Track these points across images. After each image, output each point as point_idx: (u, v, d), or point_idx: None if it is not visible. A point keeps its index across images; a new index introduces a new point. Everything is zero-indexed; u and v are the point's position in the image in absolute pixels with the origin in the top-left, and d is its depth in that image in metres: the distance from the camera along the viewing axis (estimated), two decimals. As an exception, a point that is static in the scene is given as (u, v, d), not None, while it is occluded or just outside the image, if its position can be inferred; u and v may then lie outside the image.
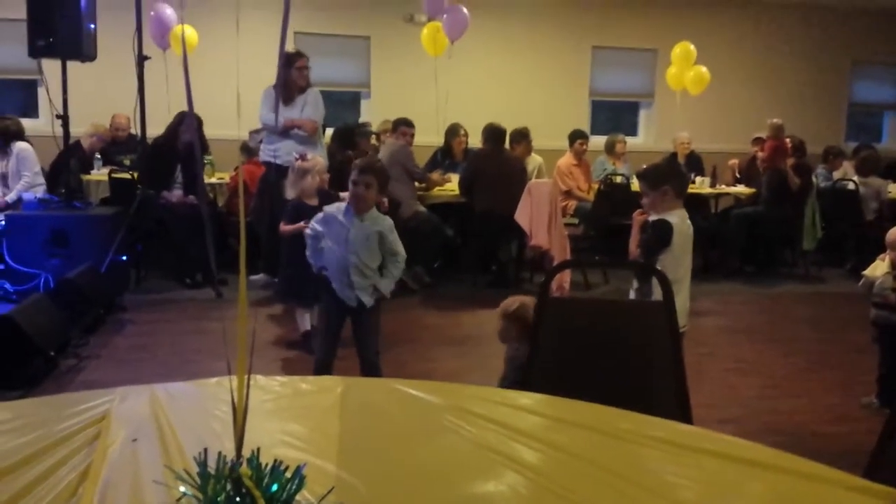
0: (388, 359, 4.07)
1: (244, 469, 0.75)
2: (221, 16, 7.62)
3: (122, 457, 1.16)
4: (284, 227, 4.05)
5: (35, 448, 1.17)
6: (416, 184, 5.99)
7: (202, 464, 0.76)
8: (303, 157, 4.25)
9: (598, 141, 7.77)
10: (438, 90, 7.41)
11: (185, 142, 5.60)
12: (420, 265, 5.77)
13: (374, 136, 6.47)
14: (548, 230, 5.55)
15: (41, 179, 5.81)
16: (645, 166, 3.29)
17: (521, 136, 6.43)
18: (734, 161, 7.65)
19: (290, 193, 4.21)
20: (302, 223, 3.76)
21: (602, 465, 1.18)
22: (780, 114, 7.33)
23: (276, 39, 0.88)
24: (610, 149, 7.42)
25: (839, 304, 5.75)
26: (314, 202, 4.07)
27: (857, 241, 6.87)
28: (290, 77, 5.16)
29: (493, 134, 5.91)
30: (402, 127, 6.05)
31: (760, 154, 7.00)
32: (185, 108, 5.82)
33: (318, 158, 4.45)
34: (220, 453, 0.75)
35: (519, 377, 2.39)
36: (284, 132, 5.15)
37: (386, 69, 8.28)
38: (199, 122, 5.69)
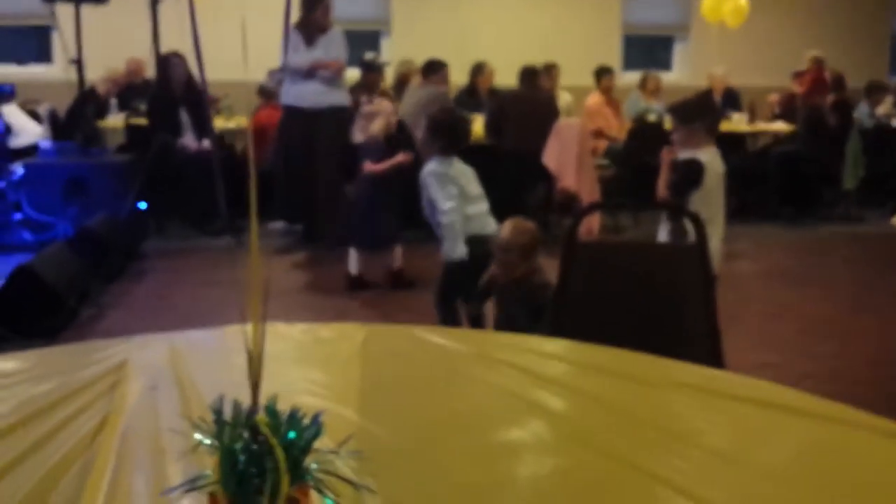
0: (410, 304, 4.08)
1: (261, 416, 0.72)
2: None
3: (140, 405, 1.16)
4: (373, 166, 4.04)
5: (54, 396, 1.17)
6: None
7: (218, 411, 0.73)
8: (369, 101, 4.24)
9: (631, 78, 7.53)
10: (463, 26, 7.19)
11: (179, 84, 5.47)
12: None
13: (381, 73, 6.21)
14: (577, 172, 5.42)
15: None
16: (675, 101, 3.19)
17: (546, 70, 6.24)
18: (774, 96, 7.38)
19: (357, 137, 4.20)
20: (401, 155, 3.81)
21: (630, 411, 1.15)
22: (821, 46, 7.03)
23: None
24: (643, 85, 7.17)
25: (880, 245, 5.62)
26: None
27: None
28: (314, 16, 4.99)
29: (525, 73, 5.75)
30: (444, 70, 5.83)
31: (799, 89, 6.76)
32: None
33: (384, 102, 4.40)
34: (235, 401, 0.72)
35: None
36: (309, 74, 4.98)
37: (407, 5, 7.98)
38: (182, 61, 5.52)
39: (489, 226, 3.23)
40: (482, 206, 3.29)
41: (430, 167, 3.23)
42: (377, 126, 4.09)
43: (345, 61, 5.10)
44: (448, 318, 3.19)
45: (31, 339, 3.37)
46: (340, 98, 5.05)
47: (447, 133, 3.26)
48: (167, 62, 5.48)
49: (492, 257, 2.85)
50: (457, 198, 3.16)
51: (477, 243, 3.15)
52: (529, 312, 2.56)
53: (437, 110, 3.51)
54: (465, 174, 3.27)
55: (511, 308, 2.71)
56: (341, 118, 4.99)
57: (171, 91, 5.52)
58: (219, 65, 5.56)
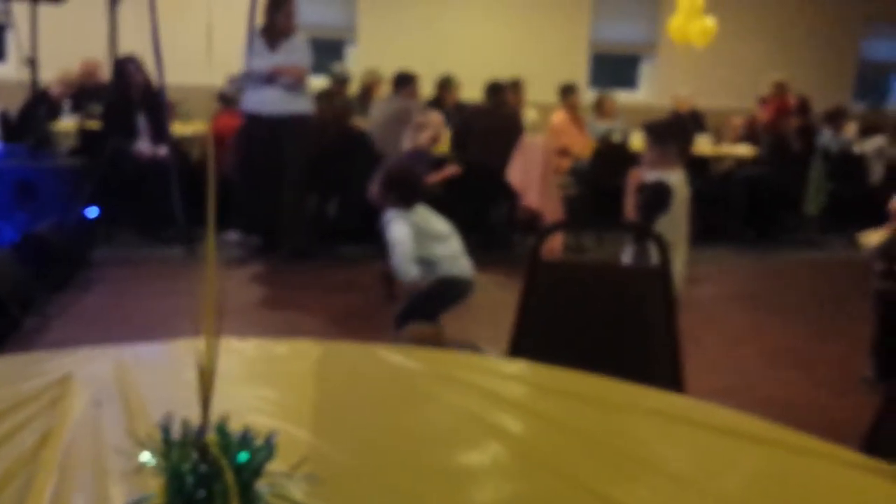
0: (370, 324, 4.04)
1: (211, 436, 0.69)
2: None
3: (84, 421, 1.12)
4: (432, 178, 4.11)
5: None
6: None
7: (166, 430, 0.70)
8: (422, 112, 4.35)
9: (593, 97, 7.56)
10: (430, 39, 7.17)
11: (137, 88, 5.36)
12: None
13: (342, 84, 6.19)
14: (540, 190, 5.42)
15: None
16: (650, 120, 3.20)
17: (512, 86, 6.25)
18: (738, 119, 7.43)
19: (406, 145, 4.23)
20: (451, 168, 3.90)
21: (591, 435, 1.15)
22: (788, 69, 7.14)
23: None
24: (599, 107, 7.19)
25: (842, 271, 5.67)
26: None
27: (862, 206, 6.59)
28: (276, 19, 4.88)
29: (490, 88, 5.78)
30: (414, 83, 5.84)
31: (762, 116, 6.86)
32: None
33: (435, 115, 4.42)
34: (184, 419, 0.69)
35: None
36: (270, 80, 4.85)
37: (374, 15, 7.88)
38: (139, 66, 5.42)
39: (464, 268, 3.27)
40: (453, 246, 3.32)
41: (390, 216, 3.26)
42: (425, 137, 4.16)
43: (308, 68, 4.96)
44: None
45: (-29, 348, 3.26)
46: (302, 106, 4.93)
47: (403, 187, 3.30)
48: (124, 67, 5.37)
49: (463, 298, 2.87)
50: (408, 235, 3.19)
51: (451, 285, 3.18)
52: None
53: (391, 165, 3.60)
54: (426, 218, 3.32)
55: None
56: (303, 126, 4.92)
57: (128, 95, 5.40)
58: (178, 68, 5.49)
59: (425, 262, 3.20)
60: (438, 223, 3.33)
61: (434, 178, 4.10)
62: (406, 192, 3.28)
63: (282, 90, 4.84)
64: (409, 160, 4.18)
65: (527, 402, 1.28)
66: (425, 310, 3.26)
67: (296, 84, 4.86)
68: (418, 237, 3.18)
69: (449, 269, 3.24)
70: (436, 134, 4.29)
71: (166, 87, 5.09)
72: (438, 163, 4.14)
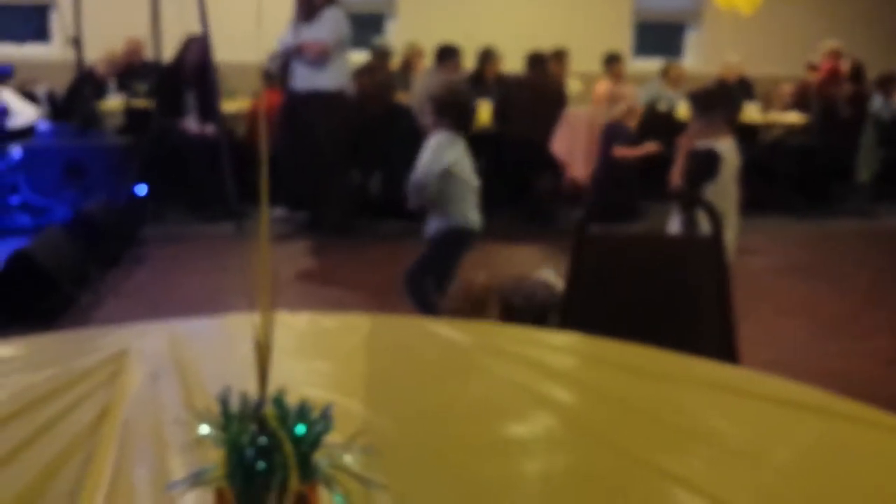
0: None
1: (269, 409, 0.70)
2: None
3: (142, 395, 1.14)
4: (624, 150, 4.15)
5: (53, 385, 1.15)
6: None
7: (225, 403, 0.71)
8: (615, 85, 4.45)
9: (642, 65, 7.46)
10: (471, 11, 7.11)
11: (191, 66, 5.42)
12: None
13: (383, 58, 6.16)
14: (586, 162, 5.34)
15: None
16: (693, 88, 3.13)
17: (556, 57, 6.14)
18: (787, 87, 7.22)
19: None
20: (651, 144, 3.97)
21: (641, 407, 1.13)
22: (837, 36, 6.94)
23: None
24: (665, 73, 6.98)
25: (894, 240, 5.57)
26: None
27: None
28: None
29: (532, 59, 5.70)
30: (456, 57, 5.76)
31: (814, 79, 6.68)
32: (198, 30, 5.71)
33: (629, 88, 4.46)
34: (243, 393, 0.70)
35: None
36: (296, 55, 4.83)
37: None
38: (205, 45, 5.49)
39: (476, 222, 3.14)
40: (473, 197, 3.18)
41: (439, 137, 3.09)
42: (620, 110, 4.18)
43: (333, 43, 4.77)
44: (420, 298, 3.09)
45: (28, 325, 3.34)
46: (328, 81, 4.83)
47: (456, 109, 3.15)
48: (189, 44, 5.42)
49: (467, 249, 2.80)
50: (446, 163, 3.04)
51: (464, 235, 3.10)
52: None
53: (442, 90, 3.42)
54: (463, 155, 3.16)
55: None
56: (332, 102, 4.86)
57: (182, 72, 5.45)
58: (223, 45, 5.53)
59: (444, 200, 3.07)
60: (469, 169, 3.18)
61: (632, 152, 4.07)
62: (460, 114, 3.13)
63: (305, 66, 4.80)
64: (607, 134, 4.15)
65: (578, 373, 1.28)
66: (439, 266, 3.08)
67: (318, 59, 4.77)
68: (448, 174, 3.05)
69: (464, 217, 3.09)
70: (631, 106, 4.28)
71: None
72: (635, 139, 4.12)
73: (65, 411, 1.07)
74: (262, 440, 0.69)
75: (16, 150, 4.98)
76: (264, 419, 0.69)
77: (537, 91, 5.60)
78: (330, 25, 4.79)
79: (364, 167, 5.79)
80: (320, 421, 0.72)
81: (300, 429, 0.70)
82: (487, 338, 1.41)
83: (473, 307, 2.41)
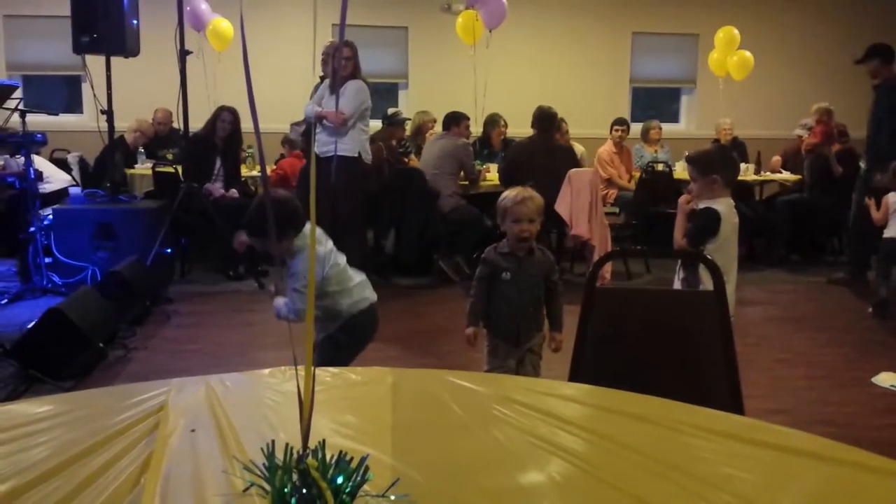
0: (432, 350, 4.13)
1: (311, 461, 0.75)
2: (257, 8, 7.69)
3: (181, 447, 1.17)
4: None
5: (95, 439, 1.18)
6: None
7: (270, 455, 0.77)
8: None
9: (639, 129, 7.71)
10: (477, 80, 7.39)
11: (222, 136, 5.70)
12: (460, 256, 5.79)
13: (402, 126, 6.37)
14: (588, 220, 5.48)
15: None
16: (693, 151, 3.19)
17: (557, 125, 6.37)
18: (776, 159, 7.45)
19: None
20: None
21: (654, 455, 1.16)
22: (822, 98, 7.15)
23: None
24: (645, 136, 7.39)
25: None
26: None
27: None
28: (333, 67, 5.18)
29: (542, 117, 5.83)
30: (465, 122, 6.01)
31: (812, 140, 6.82)
32: (223, 101, 5.96)
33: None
34: (287, 445, 0.76)
35: None
36: (319, 122, 5.10)
37: (424, 59, 8.29)
38: (236, 116, 5.77)
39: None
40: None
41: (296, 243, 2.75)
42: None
43: (352, 112, 5.02)
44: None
45: (61, 380, 3.42)
46: (345, 148, 5.07)
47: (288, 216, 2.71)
48: (219, 114, 5.78)
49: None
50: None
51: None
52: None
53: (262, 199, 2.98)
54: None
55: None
56: (348, 166, 5.08)
57: (213, 140, 5.72)
58: (247, 115, 5.73)
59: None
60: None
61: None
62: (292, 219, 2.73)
63: (325, 133, 5.09)
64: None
65: (590, 423, 1.30)
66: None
67: (337, 127, 5.04)
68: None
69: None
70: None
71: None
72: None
73: (106, 465, 1.09)
74: (305, 490, 0.74)
75: (48, 214, 5.14)
76: (307, 470, 0.75)
77: (548, 153, 5.74)
78: (349, 97, 5.06)
79: (379, 226, 5.95)
80: (357, 471, 0.77)
81: (339, 478, 0.76)
82: (502, 389, 1.45)
83: None
